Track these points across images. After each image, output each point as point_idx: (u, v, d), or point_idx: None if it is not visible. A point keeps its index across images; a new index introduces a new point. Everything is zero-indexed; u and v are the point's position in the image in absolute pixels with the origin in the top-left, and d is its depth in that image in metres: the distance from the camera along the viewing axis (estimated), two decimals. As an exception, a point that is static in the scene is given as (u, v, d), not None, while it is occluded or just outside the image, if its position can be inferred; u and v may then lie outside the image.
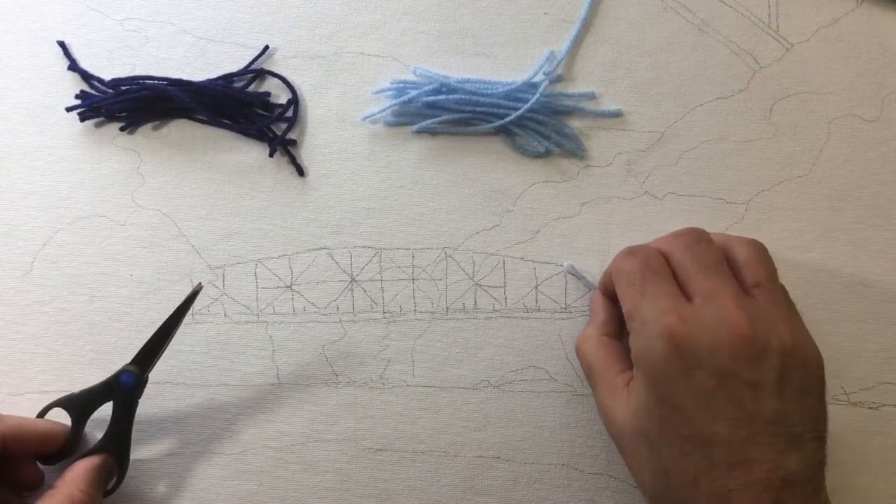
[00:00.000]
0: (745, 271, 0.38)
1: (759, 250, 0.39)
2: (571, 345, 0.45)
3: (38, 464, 0.42)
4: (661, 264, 0.38)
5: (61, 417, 0.42)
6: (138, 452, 0.44)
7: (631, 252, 0.39)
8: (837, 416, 0.44)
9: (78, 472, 0.40)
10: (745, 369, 0.34)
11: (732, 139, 0.47)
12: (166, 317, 0.42)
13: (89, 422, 0.42)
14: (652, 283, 0.37)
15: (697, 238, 0.39)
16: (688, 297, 0.37)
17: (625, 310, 0.38)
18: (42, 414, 0.42)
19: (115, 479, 0.42)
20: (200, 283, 0.42)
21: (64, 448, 0.42)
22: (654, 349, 0.35)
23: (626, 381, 0.39)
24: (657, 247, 0.40)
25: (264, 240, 0.46)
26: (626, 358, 0.40)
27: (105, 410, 0.42)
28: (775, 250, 0.46)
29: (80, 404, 0.42)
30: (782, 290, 0.39)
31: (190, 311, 0.44)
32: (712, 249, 0.38)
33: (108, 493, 0.42)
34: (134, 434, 0.44)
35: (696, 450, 0.34)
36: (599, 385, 0.40)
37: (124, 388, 0.42)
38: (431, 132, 0.47)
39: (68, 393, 0.42)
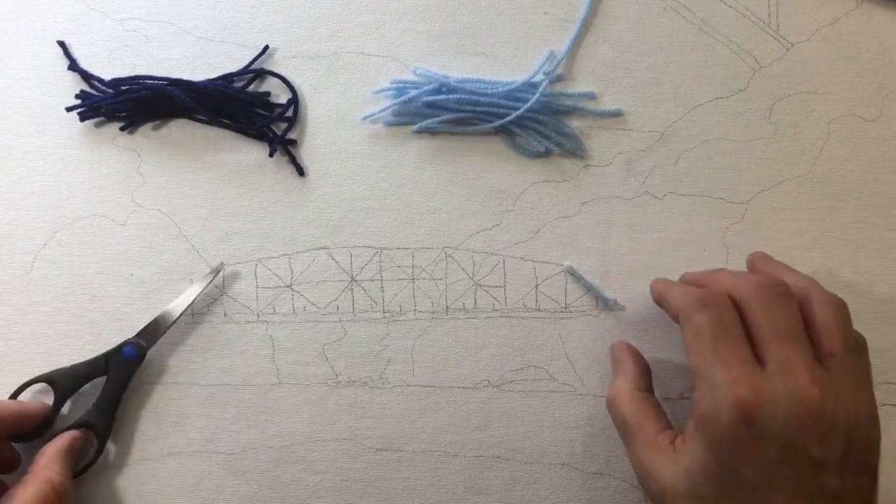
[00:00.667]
0: (823, 338, 0.36)
1: (840, 314, 0.37)
2: (571, 345, 0.45)
3: (13, 445, 0.42)
4: (735, 323, 0.36)
5: (43, 393, 0.43)
6: (139, 452, 0.44)
7: (703, 303, 0.37)
8: (837, 415, 0.44)
9: (52, 455, 0.40)
10: (812, 445, 0.34)
11: (732, 139, 0.47)
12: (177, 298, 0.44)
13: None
14: (725, 345, 0.35)
15: (779, 294, 0.37)
16: (759, 358, 0.36)
17: (692, 363, 0.37)
18: (23, 388, 0.43)
19: (94, 452, 0.42)
20: (223, 263, 0.44)
21: (40, 427, 0.42)
22: (724, 416, 0.34)
23: (669, 440, 0.38)
24: (731, 289, 0.38)
25: (264, 240, 0.46)
26: (662, 414, 0.40)
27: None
28: (775, 250, 0.46)
29: (68, 379, 0.43)
30: (856, 362, 0.37)
31: (190, 311, 0.44)
32: (792, 310, 0.36)
33: (88, 467, 0.42)
34: (134, 434, 0.44)
35: None
36: (637, 442, 0.39)
37: (125, 361, 0.43)
38: (431, 132, 0.47)
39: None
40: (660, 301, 0.42)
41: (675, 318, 0.39)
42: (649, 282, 0.46)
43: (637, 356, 0.43)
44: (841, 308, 0.38)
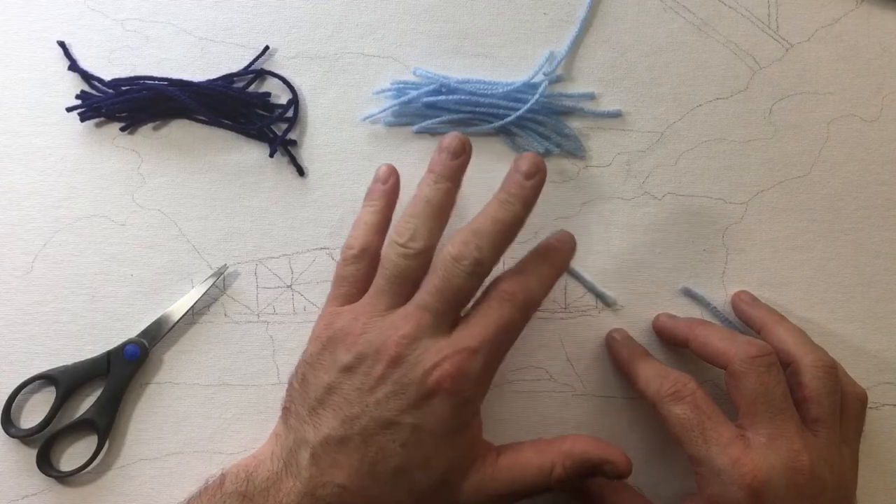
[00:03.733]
0: (811, 406, 0.39)
1: (828, 381, 0.39)
2: (571, 345, 0.45)
3: None
4: (713, 405, 0.38)
5: (44, 390, 0.44)
6: (139, 452, 0.44)
7: (678, 396, 0.39)
8: (837, 416, 0.44)
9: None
10: None
11: (732, 139, 0.47)
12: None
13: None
14: (711, 430, 0.37)
15: (768, 366, 0.38)
16: (747, 426, 0.38)
17: (686, 452, 0.38)
18: (25, 385, 0.43)
19: (94, 451, 0.43)
20: (226, 265, 0.44)
21: (43, 425, 0.43)
22: (735, 497, 0.36)
23: None
24: (719, 356, 0.40)
25: (264, 240, 0.46)
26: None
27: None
28: (775, 250, 0.46)
29: (70, 377, 0.43)
30: (844, 421, 0.40)
31: (190, 311, 0.45)
32: (781, 381, 0.38)
33: (88, 464, 0.43)
34: (134, 434, 0.44)
35: None
36: None
37: (127, 360, 0.43)
38: (431, 132, 0.47)
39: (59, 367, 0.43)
40: (625, 373, 0.43)
41: (641, 396, 0.41)
42: (649, 281, 0.46)
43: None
44: (830, 374, 0.39)
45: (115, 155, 0.46)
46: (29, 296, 0.45)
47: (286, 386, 0.40)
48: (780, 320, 0.43)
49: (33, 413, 0.44)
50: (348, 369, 0.37)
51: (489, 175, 0.46)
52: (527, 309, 0.38)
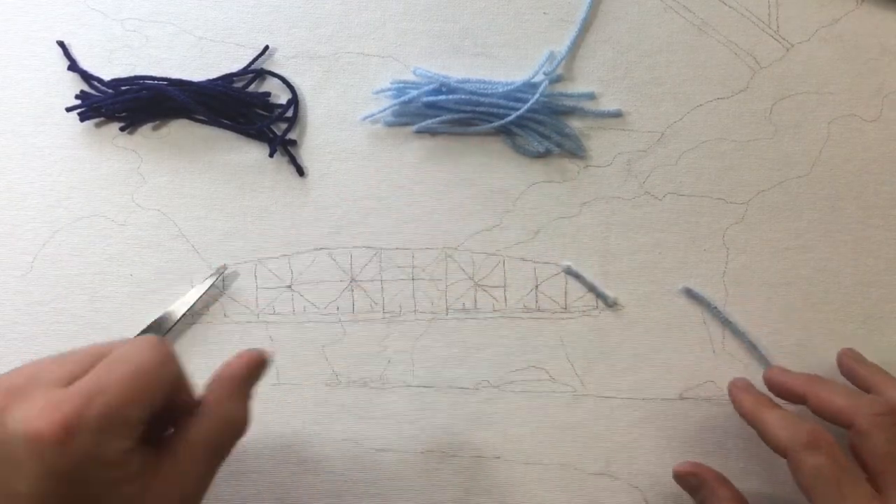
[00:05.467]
0: None
1: None
2: (571, 345, 0.45)
3: None
4: (852, 462, 0.37)
5: None
6: (138, 452, 0.44)
7: (814, 444, 0.36)
8: (837, 416, 0.44)
9: (229, 385, 0.34)
10: None
11: (732, 139, 0.47)
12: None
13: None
14: (849, 488, 0.36)
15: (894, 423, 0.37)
16: (879, 490, 0.36)
17: None
18: None
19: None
20: (226, 265, 0.44)
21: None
22: None
23: None
24: (845, 413, 0.38)
25: (264, 240, 0.46)
26: None
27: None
28: (775, 250, 0.46)
29: None
30: None
31: (190, 311, 0.44)
32: None
33: None
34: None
35: None
36: None
37: None
38: (431, 132, 0.47)
39: None
40: (751, 422, 0.40)
41: (772, 445, 0.38)
42: (649, 281, 0.46)
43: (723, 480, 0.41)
44: None
45: (114, 155, 0.46)
46: (29, 296, 0.45)
47: None
48: (889, 377, 0.41)
49: None
50: None
51: (489, 175, 0.46)
52: (154, 367, 0.31)
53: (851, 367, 0.42)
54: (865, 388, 0.41)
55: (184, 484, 0.31)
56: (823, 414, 0.39)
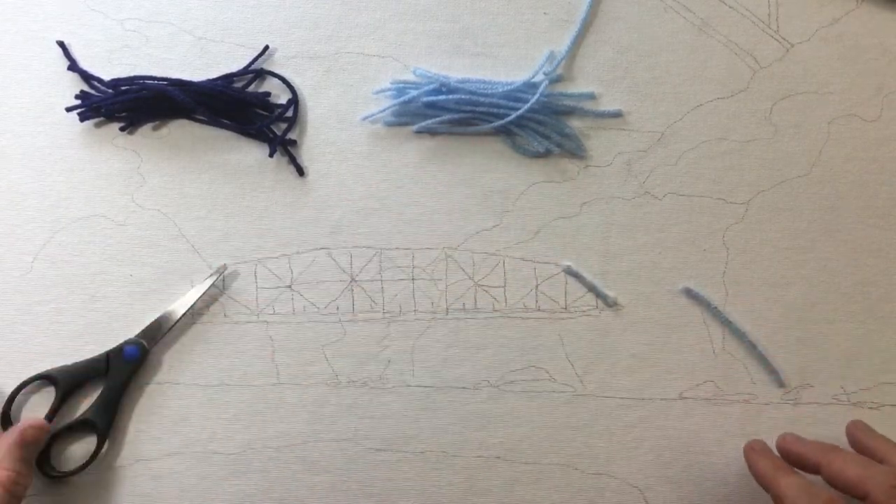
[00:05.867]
0: None
1: None
2: (571, 345, 0.45)
3: None
4: None
5: (44, 390, 0.44)
6: (139, 452, 0.44)
7: (815, 497, 0.37)
8: (837, 416, 0.44)
9: (4, 450, 0.40)
10: None
11: (732, 139, 0.47)
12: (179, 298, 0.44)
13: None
14: None
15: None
16: None
17: None
18: (25, 384, 0.43)
19: (94, 450, 0.42)
20: (226, 265, 0.44)
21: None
22: None
23: None
24: (859, 482, 0.37)
25: (264, 240, 0.46)
26: None
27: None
28: (775, 250, 0.46)
29: (70, 377, 0.43)
30: None
31: (190, 311, 0.44)
32: None
33: (88, 464, 0.42)
34: (135, 434, 0.44)
35: None
36: None
37: (126, 360, 0.43)
38: (431, 132, 0.47)
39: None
40: (766, 486, 0.40)
41: None
42: (649, 281, 0.46)
43: None
44: None
45: (114, 155, 0.46)
46: (29, 296, 0.45)
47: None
48: (891, 443, 0.41)
49: (33, 413, 0.44)
50: None
51: (489, 175, 0.46)
52: None
53: (859, 439, 0.42)
54: (879, 459, 0.40)
55: None
56: (837, 484, 0.38)
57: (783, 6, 0.47)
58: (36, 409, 0.44)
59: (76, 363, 0.43)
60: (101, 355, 0.44)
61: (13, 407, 0.43)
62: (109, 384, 0.43)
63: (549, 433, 0.45)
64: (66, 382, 0.43)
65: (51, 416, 0.43)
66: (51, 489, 0.43)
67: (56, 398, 0.43)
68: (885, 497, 0.36)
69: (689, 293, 0.46)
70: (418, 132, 0.46)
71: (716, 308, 0.45)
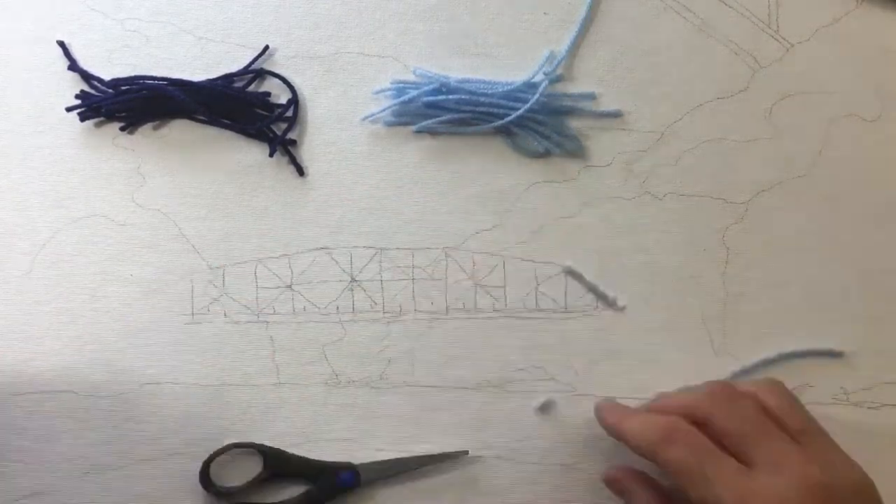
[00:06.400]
0: (787, 421, 0.37)
1: (787, 394, 0.39)
2: (571, 345, 0.45)
3: None
4: (707, 442, 0.37)
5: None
6: (139, 452, 0.44)
7: (670, 437, 0.37)
8: (837, 416, 0.44)
9: None
10: None
11: (732, 139, 0.47)
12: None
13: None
14: (710, 466, 0.36)
15: (731, 395, 0.38)
16: (745, 462, 0.36)
17: (692, 497, 0.36)
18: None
19: None
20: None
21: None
22: None
23: None
24: (687, 409, 0.38)
25: (264, 240, 0.46)
26: None
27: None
28: (775, 250, 0.46)
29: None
30: (822, 429, 0.38)
31: (190, 311, 0.45)
32: (750, 404, 0.37)
33: None
34: (135, 434, 0.44)
35: None
36: None
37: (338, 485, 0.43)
38: (431, 132, 0.47)
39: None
40: (614, 433, 0.41)
41: (637, 451, 0.38)
42: (649, 281, 0.46)
43: (646, 489, 0.41)
44: (784, 389, 0.39)
45: (114, 155, 0.46)
46: (29, 296, 0.45)
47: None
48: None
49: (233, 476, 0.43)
50: None
51: (489, 175, 0.46)
52: None
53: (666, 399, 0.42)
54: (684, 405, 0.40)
55: None
56: (679, 414, 0.39)
57: (783, 6, 0.47)
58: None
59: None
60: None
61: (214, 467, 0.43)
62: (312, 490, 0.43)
63: (549, 433, 0.45)
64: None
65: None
66: (52, 489, 0.43)
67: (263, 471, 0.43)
68: (709, 407, 0.37)
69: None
70: (418, 132, 0.46)
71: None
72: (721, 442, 0.37)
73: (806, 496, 0.35)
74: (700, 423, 0.37)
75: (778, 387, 0.39)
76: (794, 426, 0.37)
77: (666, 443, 0.37)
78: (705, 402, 0.38)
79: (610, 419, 0.41)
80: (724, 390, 0.38)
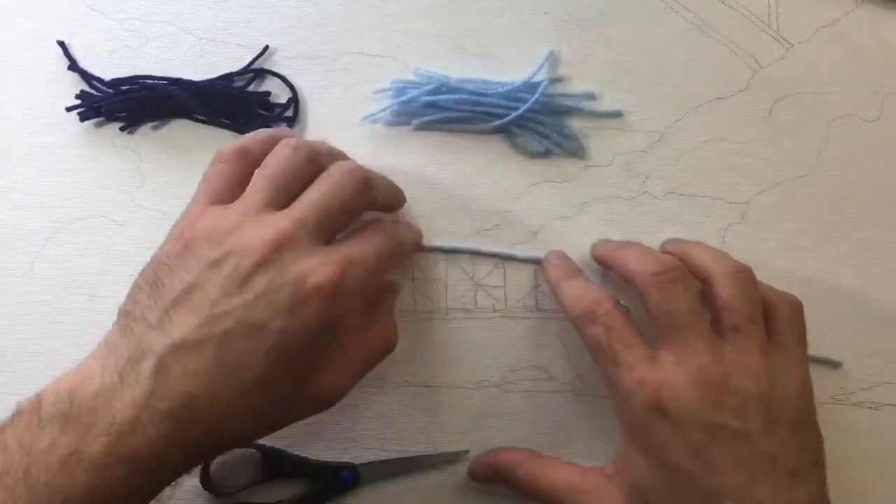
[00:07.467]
0: (724, 314, 0.37)
1: (743, 288, 0.38)
2: (572, 345, 0.45)
3: None
4: (623, 326, 0.37)
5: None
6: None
7: (592, 317, 0.38)
8: (837, 416, 0.44)
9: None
10: (731, 420, 0.35)
11: (732, 139, 0.47)
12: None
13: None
14: (622, 351, 0.37)
15: (673, 280, 0.37)
16: (662, 347, 0.37)
17: (604, 375, 0.38)
18: None
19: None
20: None
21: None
22: (641, 421, 0.36)
23: (599, 472, 0.40)
24: (631, 276, 0.39)
25: (264, 240, 0.46)
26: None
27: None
28: (775, 250, 0.46)
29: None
30: (760, 331, 0.37)
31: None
32: (687, 294, 0.37)
33: None
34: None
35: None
36: None
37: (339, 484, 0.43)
38: (431, 129, 0.46)
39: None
40: (552, 292, 0.42)
41: (567, 317, 0.40)
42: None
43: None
44: (744, 280, 0.38)
45: (115, 155, 0.46)
46: (29, 296, 0.45)
47: (131, 290, 0.37)
48: (695, 243, 0.42)
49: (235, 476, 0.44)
50: (215, 265, 0.33)
51: (489, 174, 0.46)
52: (401, 246, 0.40)
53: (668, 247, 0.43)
54: (679, 258, 0.40)
55: (352, 373, 0.38)
56: (623, 279, 0.40)
57: (783, 6, 0.47)
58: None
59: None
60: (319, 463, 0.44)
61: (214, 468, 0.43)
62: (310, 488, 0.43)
63: (549, 433, 0.45)
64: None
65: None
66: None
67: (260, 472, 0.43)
68: (646, 284, 0.37)
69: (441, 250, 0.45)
70: (417, 128, 0.46)
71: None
72: (650, 319, 0.38)
73: (699, 394, 0.35)
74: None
75: (742, 275, 0.38)
76: (729, 321, 0.37)
77: (587, 319, 0.38)
78: (644, 280, 0.38)
79: (551, 276, 0.42)
80: (667, 274, 0.37)
